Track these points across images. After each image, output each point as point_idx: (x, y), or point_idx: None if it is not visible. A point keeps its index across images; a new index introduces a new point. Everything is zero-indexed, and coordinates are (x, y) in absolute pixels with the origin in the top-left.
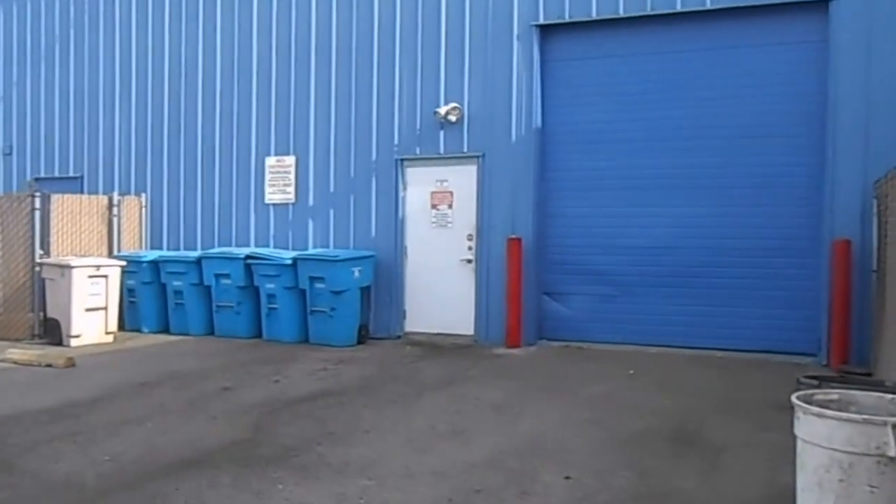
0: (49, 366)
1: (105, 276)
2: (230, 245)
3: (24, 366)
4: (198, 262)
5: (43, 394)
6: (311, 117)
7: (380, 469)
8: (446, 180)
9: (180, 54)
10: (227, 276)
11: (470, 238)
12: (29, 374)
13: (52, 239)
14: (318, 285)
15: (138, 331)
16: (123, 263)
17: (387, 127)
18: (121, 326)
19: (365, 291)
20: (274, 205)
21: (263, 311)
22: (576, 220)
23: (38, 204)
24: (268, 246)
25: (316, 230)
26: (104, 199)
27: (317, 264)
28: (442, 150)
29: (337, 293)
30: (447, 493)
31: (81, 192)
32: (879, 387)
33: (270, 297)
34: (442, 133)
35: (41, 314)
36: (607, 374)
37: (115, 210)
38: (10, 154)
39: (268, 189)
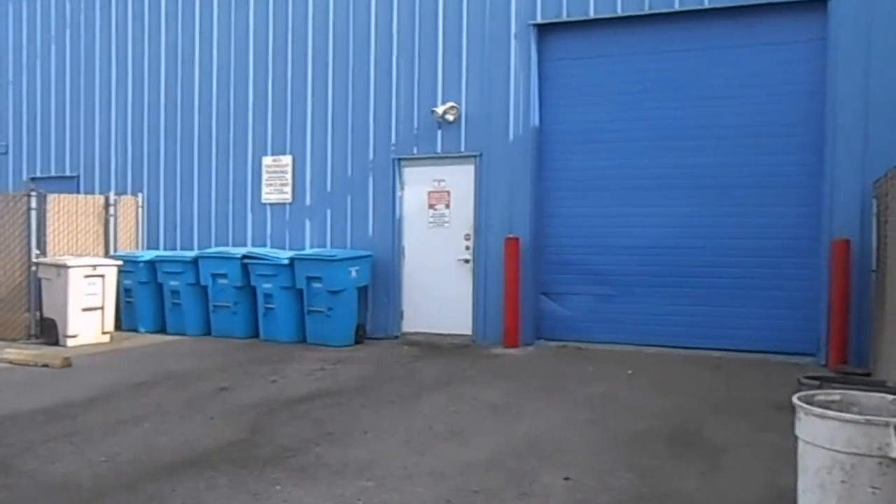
0: (45, 366)
1: (101, 276)
2: (227, 245)
3: (21, 366)
4: (194, 261)
5: (39, 394)
6: (307, 117)
7: (378, 470)
8: (444, 180)
9: (177, 53)
10: (223, 275)
11: (467, 238)
12: (25, 374)
13: (49, 238)
14: (316, 285)
15: (135, 331)
16: (120, 263)
17: (384, 126)
18: (117, 326)
19: (362, 291)
20: (271, 204)
21: (260, 310)
22: (573, 219)
23: (34, 203)
24: (265, 246)
25: (313, 230)
26: (100, 199)
27: (314, 264)
28: (439, 150)
29: (334, 293)
30: (446, 494)
31: (78, 191)
32: (881, 387)
33: (267, 296)
34: (439, 132)
35: (37, 314)
36: (606, 375)
37: (111, 210)
38: (6, 153)
39: (264, 189)
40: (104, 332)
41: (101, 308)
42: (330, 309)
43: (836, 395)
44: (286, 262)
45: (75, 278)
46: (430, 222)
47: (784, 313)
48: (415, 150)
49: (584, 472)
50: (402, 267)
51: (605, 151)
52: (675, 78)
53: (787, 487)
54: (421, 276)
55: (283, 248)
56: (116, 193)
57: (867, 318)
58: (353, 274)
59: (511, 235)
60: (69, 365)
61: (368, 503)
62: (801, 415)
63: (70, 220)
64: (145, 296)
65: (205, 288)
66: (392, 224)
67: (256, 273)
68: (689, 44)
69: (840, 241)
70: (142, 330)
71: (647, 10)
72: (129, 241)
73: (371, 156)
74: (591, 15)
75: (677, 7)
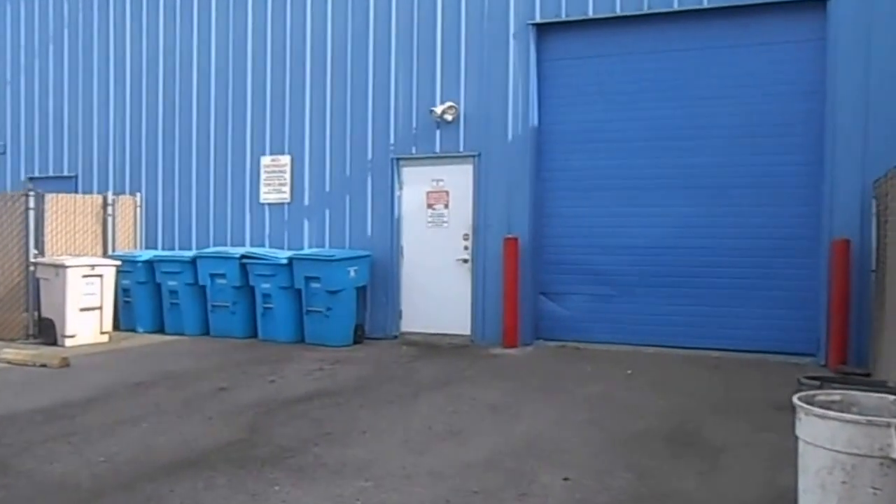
0: (44, 366)
1: (100, 276)
2: (225, 245)
3: (19, 366)
4: (193, 261)
5: (37, 394)
6: (306, 116)
7: (377, 470)
8: (442, 180)
9: (175, 53)
10: (222, 275)
11: (466, 238)
12: (23, 374)
13: (47, 238)
14: (314, 285)
15: (133, 331)
16: (118, 263)
17: (383, 126)
18: (116, 326)
19: (361, 291)
20: (269, 204)
21: (259, 310)
22: (572, 219)
23: (32, 203)
24: (263, 246)
25: (311, 230)
26: (99, 199)
27: (312, 264)
28: (438, 150)
29: (333, 293)
30: (445, 495)
31: (76, 191)
32: (881, 388)
33: (266, 296)
34: (438, 132)
35: (36, 314)
36: (605, 375)
37: (109, 209)
38: (4, 153)
39: (263, 188)
40: (102, 332)
41: (100, 308)
42: (328, 309)
43: (836, 395)
44: (285, 261)
45: (73, 278)
46: (429, 222)
47: (783, 313)
48: (413, 150)
49: (583, 473)
50: (400, 267)
51: (604, 151)
52: (675, 78)
53: (786, 487)
54: (419, 277)
55: (281, 247)
56: (114, 193)
57: (867, 319)
58: (352, 274)
59: (510, 235)
60: (67, 365)
61: (367, 503)
62: (801, 415)
63: (68, 219)
64: (143, 296)
65: (203, 288)
66: (391, 224)
67: (255, 273)
68: (688, 43)
69: (840, 241)
70: (140, 330)
71: (645, 10)
72: (128, 241)
73: (370, 155)
74: (590, 15)
75: (676, 7)
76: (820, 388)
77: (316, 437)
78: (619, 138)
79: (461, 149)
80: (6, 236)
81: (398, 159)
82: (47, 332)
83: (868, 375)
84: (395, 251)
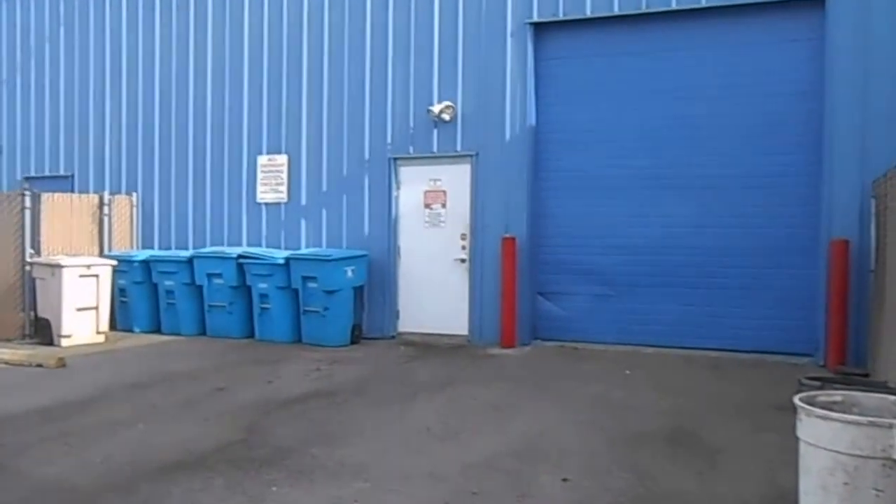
0: (40, 366)
1: (96, 276)
2: (222, 244)
3: (15, 366)
4: (189, 261)
5: (34, 394)
6: (302, 116)
7: (375, 471)
8: (440, 179)
9: (171, 52)
10: (219, 275)
11: (463, 237)
12: (19, 374)
13: (43, 238)
14: (311, 285)
15: (130, 331)
16: (114, 263)
17: (379, 125)
18: (112, 326)
19: (358, 291)
20: (266, 204)
21: (256, 310)
22: (570, 219)
23: (28, 203)
24: (260, 245)
25: (308, 229)
26: (95, 198)
27: (309, 264)
28: (435, 149)
29: (330, 293)
30: (444, 496)
31: (72, 191)
32: (882, 388)
33: (263, 296)
34: (435, 132)
35: (32, 314)
36: (603, 375)
37: (105, 209)
38: (1, 153)
39: (260, 188)
40: (99, 332)
41: (96, 308)
42: (326, 309)
43: (837, 396)
44: (282, 261)
45: (70, 278)
46: (427, 222)
47: (782, 313)
48: (411, 150)
49: (582, 473)
50: (398, 267)
51: (603, 151)
52: (673, 77)
53: (786, 488)
54: (417, 276)
55: (278, 247)
56: (111, 193)
57: (865, 319)
58: (349, 274)
59: (508, 235)
60: (64, 365)
61: None
62: (802, 416)
63: (64, 219)
64: (140, 296)
65: (200, 288)
66: (388, 224)
67: (252, 273)
68: (686, 43)
69: (839, 241)
70: (136, 330)
71: (644, 9)
72: (124, 241)
73: (367, 155)
74: (588, 14)
75: (674, 6)
76: (821, 388)
77: (314, 437)
78: (617, 138)
79: (458, 148)
80: (2, 236)
81: (395, 159)
82: (43, 332)
83: (867, 375)
84: (392, 251)
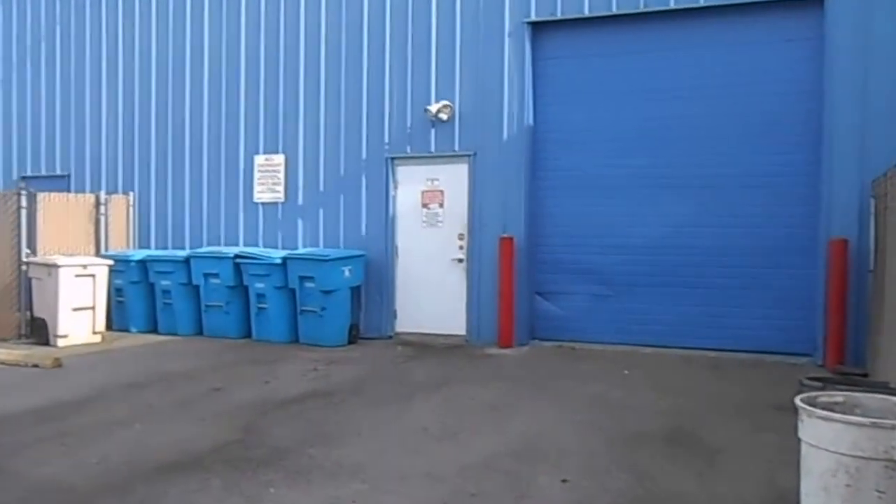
0: (36, 366)
1: (92, 276)
2: (219, 244)
3: (11, 366)
4: (186, 261)
5: (30, 395)
6: (300, 115)
7: (373, 471)
8: (437, 179)
9: (168, 52)
10: (216, 275)
11: (461, 237)
12: (15, 374)
13: (39, 238)
14: (308, 285)
15: (126, 331)
16: (111, 263)
17: (377, 125)
18: (108, 326)
19: (355, 291)
20: (263, 203)
21: (253, 310)
22: (568, 219)
23: (24, 202)
24: (257, 245)
25: (305, 229)
26: (91, 198)
27: (307, 264)
28: (433, 149)
29: (327, 293)
30: (442, 497)
31: (68, 190)
32: (884, 389)
33: (260, 296)
34: (433, 131)
35: (28, 314)
36: (602, 375)
37: (102, 209)
38: None
39: (257, 188)
40: (95, 332)
41: (92, 308)
42: (323, 309)
43: (839, 396)
44: (279, 261)
45: (66, 278)
46: (424, 222)
47: (781, 313)
48: (408, 149)
49: (581, 474)
50: (395, 267)
51: (600, 150)
52: (671, 77)
53: (786, 488)
54: (414, 276)
55: (275, 247)
56: (107, 192)
57: (864, 319)
58: (347, 273)
59: (505, 235)
60: (60, 365)
61: None
62: (804, 417)
63: (61, 219)
64: (136, 295)
65: (197, 287)
66: (385, 223)
67: (249, 273)
68: (684, 42)
69: (838, 240)
70: (133, 330)
71: (642, 9)
72: (120, 241)
73: (364, 155)
74: (586, 13)
75: (672, 5)
76: (822, 389)
77: (311, 438)
78: (615, 137)
79: (456, 148)
80: None
81: (393, 158)
82: (39, 332)
83: (866, 375)
84: (389, 251)
